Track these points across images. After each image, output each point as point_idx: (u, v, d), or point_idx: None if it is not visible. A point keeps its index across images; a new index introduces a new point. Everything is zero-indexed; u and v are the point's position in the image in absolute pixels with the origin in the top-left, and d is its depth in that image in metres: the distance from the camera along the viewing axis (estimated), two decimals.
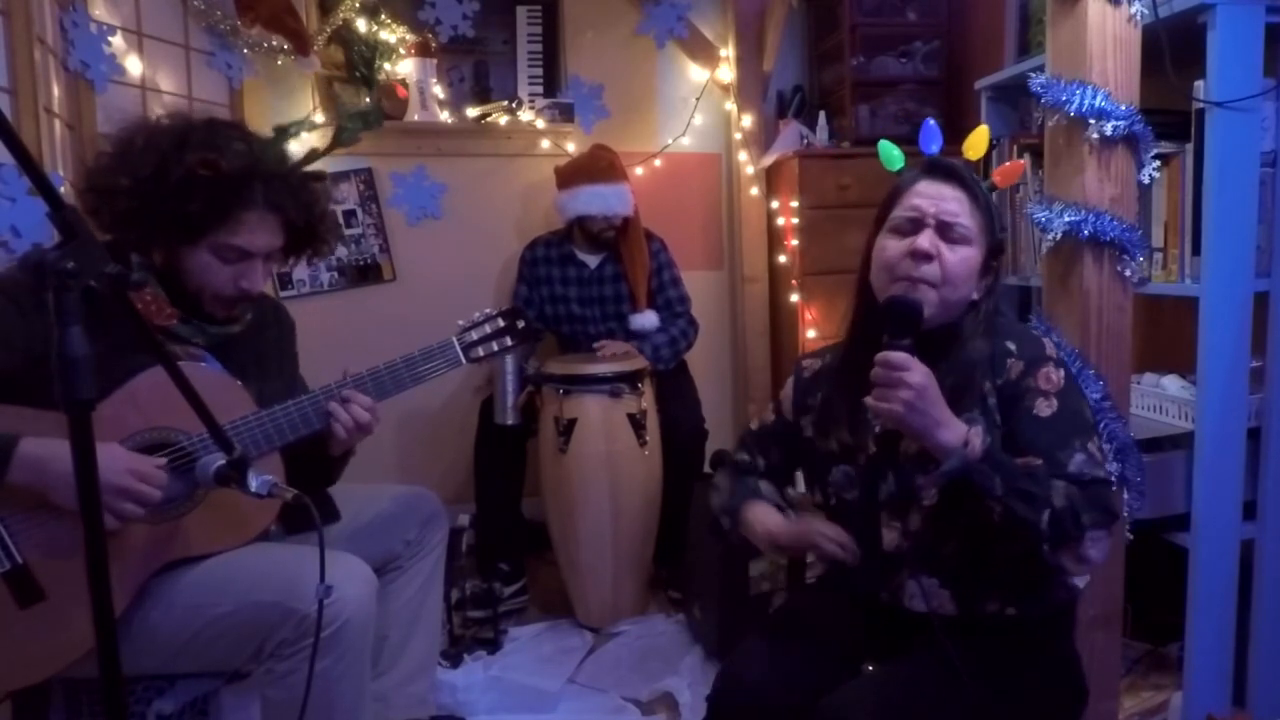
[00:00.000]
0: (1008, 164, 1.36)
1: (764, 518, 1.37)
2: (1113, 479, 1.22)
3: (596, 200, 2.72)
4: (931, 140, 1.36)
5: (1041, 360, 1.25)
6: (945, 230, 1.25)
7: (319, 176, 1.74)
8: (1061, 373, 1.24)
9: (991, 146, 2.25)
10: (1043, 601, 1.28)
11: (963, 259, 1.26)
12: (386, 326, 2.86)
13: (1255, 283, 1.64)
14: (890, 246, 1.28)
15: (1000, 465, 1.14)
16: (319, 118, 2.86)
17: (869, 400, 1.17)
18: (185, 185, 1.38)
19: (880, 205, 1.34)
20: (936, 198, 1.26)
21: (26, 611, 1.26)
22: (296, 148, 2.62)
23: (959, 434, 1.14)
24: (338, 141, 2.64)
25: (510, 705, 2.10)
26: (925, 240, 1.24)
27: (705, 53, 3.27)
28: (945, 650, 1.16)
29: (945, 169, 1.29)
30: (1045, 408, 1.22)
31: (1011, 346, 1.27)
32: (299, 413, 1.46)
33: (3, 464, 1.20)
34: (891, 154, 1.38)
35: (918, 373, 1.14)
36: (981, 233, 1.28)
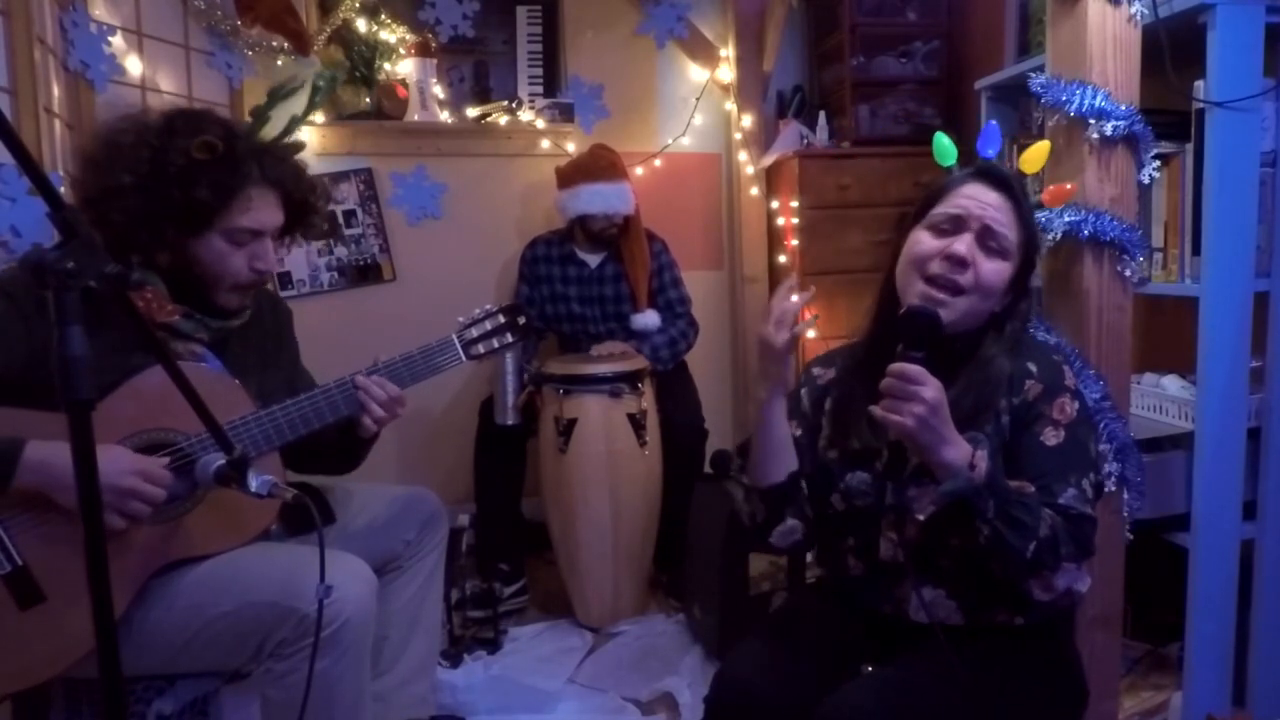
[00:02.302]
0: (1055, 186, 1.34)
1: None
2: (1096, 517, 1.21)
3: (598, 199, 2.72)
4: (990, 143, 1.34)
5: (1060, 390, 1.24)
6: (986, 237, 1.24)
7: (299, 147, 1.76)
8: (1076, 405, 1.24)
9: None
10: (1048, 608, 1.27)
11: (997, 270, 1.25)
12: (386, 326, 2.86)
13: (1255, 283, 1.64)
14: (925, 242, 1.26)
15: (997, 490, 1.14)
16: (319, 117, 2.86)
17: (876, 410, 1.16)
18: (187, 172, 1.39)
19: (920, 201, 1.32)
20: (985, 203, 1.25)
21: (26, 613, 1.26)
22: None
23: (964, 454, 1.14)
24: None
25: (510, 705, 2.10)
26: (963, 246, 1.23)
27: (705, 53, 3.27)
28: (949, 659, 1.15)
29: (999, 177, 1.28)
30: (1053, 437, 1.22)
31: (1032, 368, 1.26)
32: (297, 412, 1.46)
33: (10, 469, 1.20)
34: (944, 146, 1.35)
35: (931, 387, 1.13)
36: (1019, 248, 1.26)
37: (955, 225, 1.25)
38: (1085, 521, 1.19)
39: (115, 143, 1.42)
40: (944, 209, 1.27)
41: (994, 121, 1.37)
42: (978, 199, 1.25)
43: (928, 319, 1.20)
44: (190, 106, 1.53)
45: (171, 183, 1.38)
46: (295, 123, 2.60)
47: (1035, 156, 1.33)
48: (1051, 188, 1.36)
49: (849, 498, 1.33)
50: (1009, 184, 1.27)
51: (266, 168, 1.48)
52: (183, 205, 1.39)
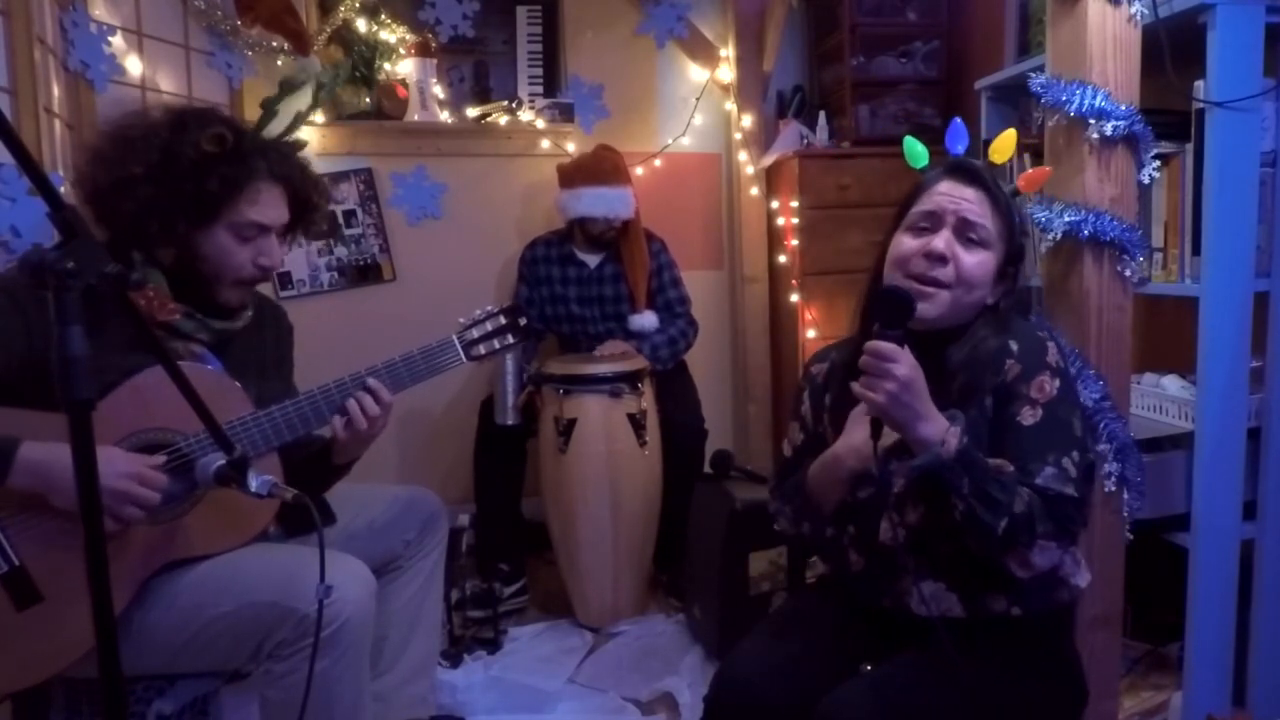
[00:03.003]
0: (1032, 170, 1.35)
1: (825, 457, 1.33)
2: (1078, 496, 1.20)
3: (600, 203, 2.72)
4: (958, 140, 1.35)
5: (1039, 368, 1.24)
6: (964, 230, 1.25)
7: (301, 145, 1.77)
8: (1057, 383, 1.23)
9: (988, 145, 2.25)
10: (1046, 601, 1.28)
11: (979, 262, 1.26)
12: (386, 326, 2.85)
13: (1255, 283, 1.64)
14: (906, 243, 1.29)
15: (971, 466, 1.14)
16: (319, 117, 2.86)
17: (855, 386, 1.18)
18: (198, 165, 1.40)
19: (900, 202, 1.34)
20: (958, 197, 1.26)
21: (25, 613, 1.26)
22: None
23: (938, 430, 1.15)
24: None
25: (510, 705, 2.10)
26: (941, 242, 1.25)
27: (705, 53, 3.27)
28: (949, 655, 1.16)
29: (969, 170, 1.29)
30: (1030, 416, 1.22)
31: (1013, 346, 1.26)
32: (296, 412, 1.46)
33: (4, 469, 1.20)
34: (916, 150, 1.37)
35: (904, 365, 1.14)
36: (1000, 238, 1.28)
37: (932, 222, 1.27)
38: (1065, 501, 1.18)
39: (124, 137, 1.43)
40: (920, 208, 1.29)
41: (959, 119, 1.38)
42: (951, 194, 1.27)
43: (901, 297, 1.21)
44: (194, 105, 1.54)
45: (182, 175, 1.39)
46: (300, 119, 2.61)
47: (1003, 146, 1.35)
48: (1027, 173, 1.36)
49: (851, 489, 1.33)
50: (981, 176, 1.29)
51: (273, 163, 1.49)
52: (193, 197, 1.40)
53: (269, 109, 2.43)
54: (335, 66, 2.81)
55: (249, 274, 1.50)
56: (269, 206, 1.49)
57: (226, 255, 1.46)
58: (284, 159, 1.53)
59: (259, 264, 1.49)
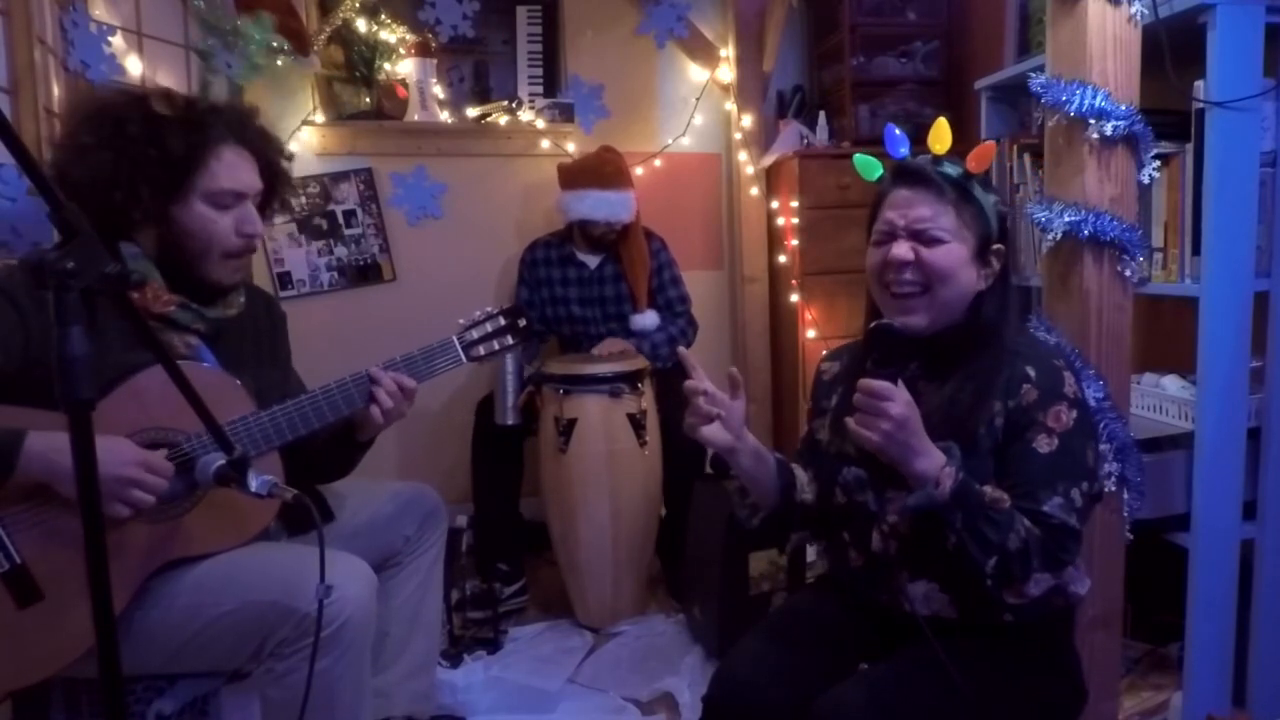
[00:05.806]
0: (978, 148, 1.33)
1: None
2: (1078, 528, 1.20)
3: (602, 206, 2.72)
4: (897, 145, 1.36)
5: (1057, 397, 1.23)
6: (918, 236, 1.27)
7: (254, 109, 1.76)
8: (1074, 414, 1.23)
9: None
10: (1042, 609, 1.27)
11: (944, 253, 1.26)
12: (386, 326, 2.86)
13: (1255, 283, 1.64)
14: (873, 255, 1.32)
15: (965, 503, 1.14)
16: (318, 117, 2.86)
17: (849, 423, 1.18)
18: (153, 127, 1.40)
19: (868, 214, 1.37)
20: (905, 207, 1.28)
21: (25, 611, 1.26)
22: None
23: (934, 466, 1.15)
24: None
25: (510, 705, 2.10)
26: (900, 249, 1.27)
27: (705, 53, 3.27)
28: (938, 655, 1.16)
29: (911, 173, 1.30)
30: (1045, 444, 1.21)
31: (1030, 372, 1.25)
32: (298, 412, 1.45)
33: (11, 460, 1.20)
34: (867, 165, 1.38)
35: (899, 404, 1.14)
36: (963, 226, 1.27)
37: (889, 237, 1.30)
38: (1064, 532, 1.18)
39: (74, 115, 1.44)
40: (878, 224, 1.32)
41: (892, 125, 1.38)
42: (898, 207, 1.29)
43: (892, 335, 1.22)
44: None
45: (139, 138, 1.39)
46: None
47: (940, 135, 1.34)
48: (974, 151, 1.34)
49: (847, 492, 1.34)
50: (924, 175, 1.29)
51: (233, 126, 1.48)
52: (158, 163, 1.40)
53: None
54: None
55: (235, 244, 1.48)
56: (239, 170, 1.47)
57: (208, 227, 1.45)
58: (241, 120, 1.52)
59: (243, 232, 1.48)
